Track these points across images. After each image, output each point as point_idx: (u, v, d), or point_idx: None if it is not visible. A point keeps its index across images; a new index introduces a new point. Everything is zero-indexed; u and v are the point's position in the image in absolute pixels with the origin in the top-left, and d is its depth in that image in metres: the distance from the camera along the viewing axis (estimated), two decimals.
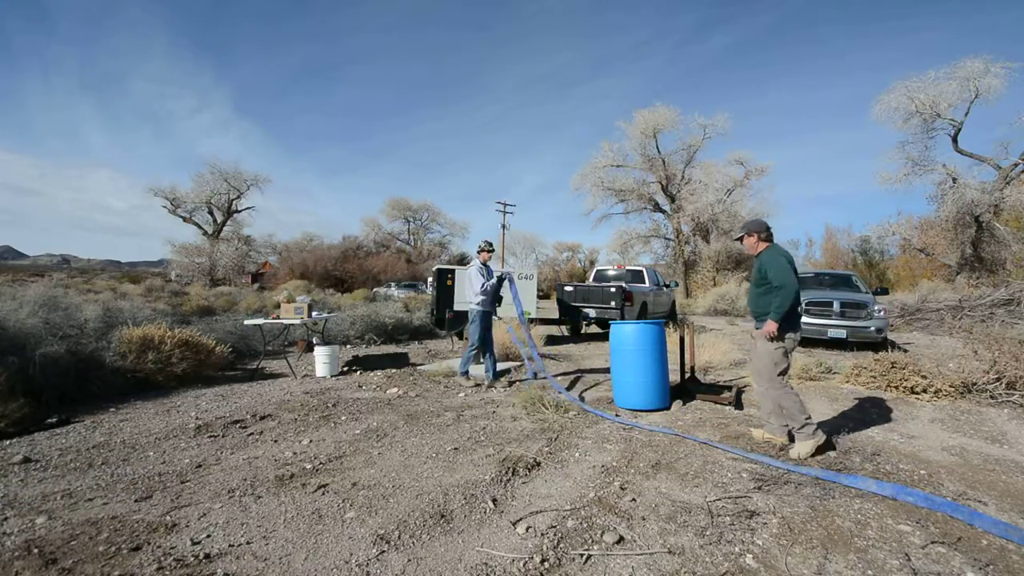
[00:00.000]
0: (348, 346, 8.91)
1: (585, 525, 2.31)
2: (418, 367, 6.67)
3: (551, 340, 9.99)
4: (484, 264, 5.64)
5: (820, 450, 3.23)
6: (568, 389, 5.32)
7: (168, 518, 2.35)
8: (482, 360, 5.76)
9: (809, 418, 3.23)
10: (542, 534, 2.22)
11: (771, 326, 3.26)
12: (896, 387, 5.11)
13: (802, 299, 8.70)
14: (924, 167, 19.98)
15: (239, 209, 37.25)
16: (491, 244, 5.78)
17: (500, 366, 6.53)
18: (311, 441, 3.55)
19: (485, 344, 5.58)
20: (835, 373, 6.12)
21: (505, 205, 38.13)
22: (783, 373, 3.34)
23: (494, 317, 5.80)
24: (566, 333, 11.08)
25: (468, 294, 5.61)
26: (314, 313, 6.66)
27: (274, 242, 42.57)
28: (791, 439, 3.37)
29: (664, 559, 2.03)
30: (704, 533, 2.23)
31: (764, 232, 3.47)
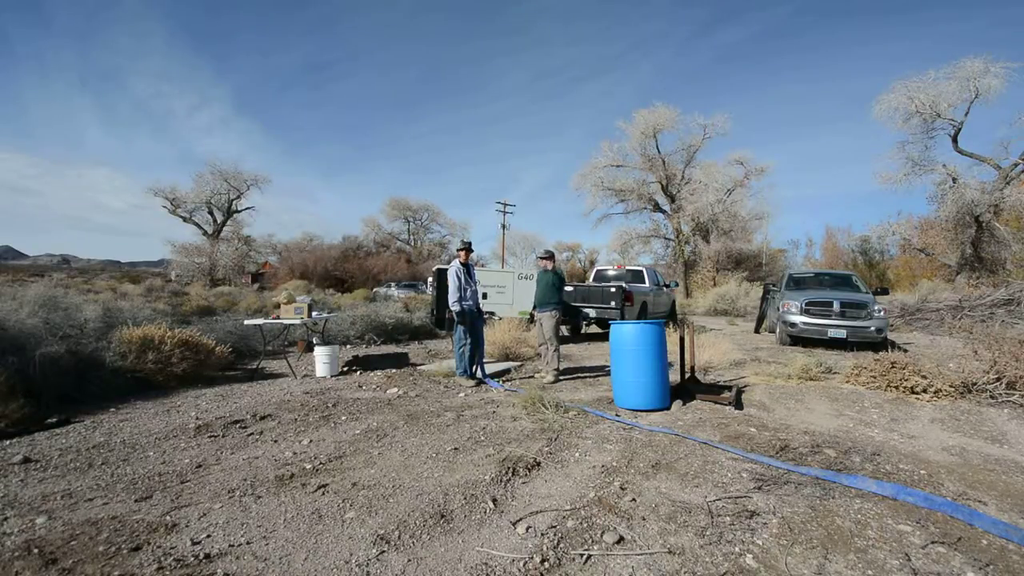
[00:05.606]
0: (348, 346, 8.91)
1: (585, 525, 2.31)
2: (418, 367, 6.67)
3: None
4: (463, 264, 5.59)
5: (555, 380, 5.82)
6: (569, 390, 5.31)
7: (168, 518, 2.35)
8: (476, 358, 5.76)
9: (558, 368, 5.96)
10: (542, 534, 2.22)
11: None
12: (896, 387, 5.11)
13: (802, 299, 8.83)
14: (924, 167, 19.97)
15: (239, 209, 37.26)
16: (469, 244, 5.74)
17: (501, 366, 6.53)
18: (311, 441, 3.55)
19: (475, 341, 5.58)
20: (835, 373, 6.12)
21: (505, 205, 38.19)
22: (556, 336, 5.95)
23: (489, 315, 5.83)
24: (566, 333, 11.07)
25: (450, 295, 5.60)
26: (314, 313, 6.66)
27: (274, 242, 42.59)
28: (553, 380, 5.78)
29: (664, 559, 2.03)
30: (704, 533, 2.23)
31: (552, 260, 6.22)
